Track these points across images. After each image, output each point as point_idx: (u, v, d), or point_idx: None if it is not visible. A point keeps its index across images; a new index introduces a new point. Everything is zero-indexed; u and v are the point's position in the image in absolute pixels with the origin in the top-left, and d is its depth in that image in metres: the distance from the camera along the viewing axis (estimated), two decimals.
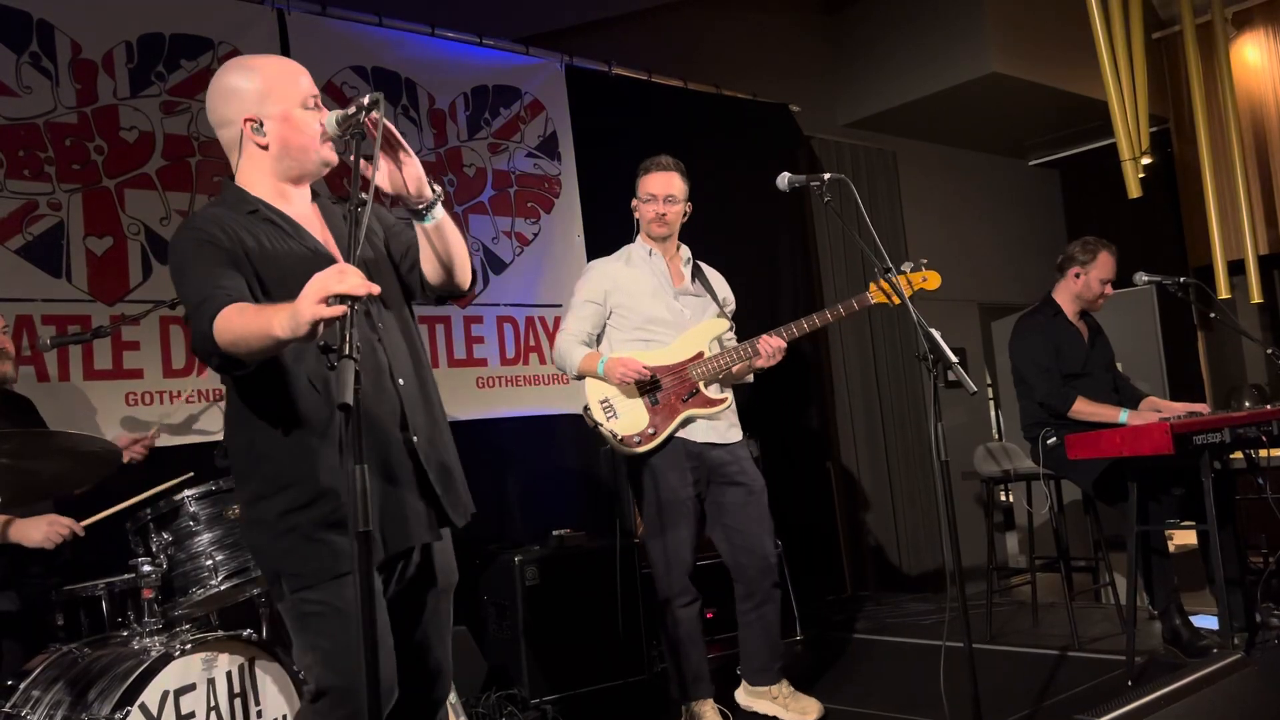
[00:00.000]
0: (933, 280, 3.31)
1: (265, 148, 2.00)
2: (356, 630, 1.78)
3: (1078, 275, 4.15)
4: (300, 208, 2.06)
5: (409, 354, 2.09)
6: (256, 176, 2.02)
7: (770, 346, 3.31)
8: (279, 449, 1.93)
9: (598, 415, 3.36)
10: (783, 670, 3.55)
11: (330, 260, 1.98)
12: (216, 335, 1.76)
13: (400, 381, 2.02)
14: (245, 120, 1.98)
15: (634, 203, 3.52)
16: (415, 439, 2.02)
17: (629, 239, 3.64)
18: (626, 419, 3.34)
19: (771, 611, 3.46)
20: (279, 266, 1.94)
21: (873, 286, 3.31)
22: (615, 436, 3.33)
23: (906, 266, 3.28)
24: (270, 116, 1.97)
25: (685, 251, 3.60)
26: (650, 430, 3.33)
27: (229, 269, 1.88)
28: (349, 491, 1.78)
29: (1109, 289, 4.17)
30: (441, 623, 2.15)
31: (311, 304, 1.60)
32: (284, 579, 1.94)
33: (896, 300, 3.01)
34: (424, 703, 2.14)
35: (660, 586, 3.38)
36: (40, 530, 2.84)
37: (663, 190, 3.44)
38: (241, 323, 1.75)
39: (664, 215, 3.44)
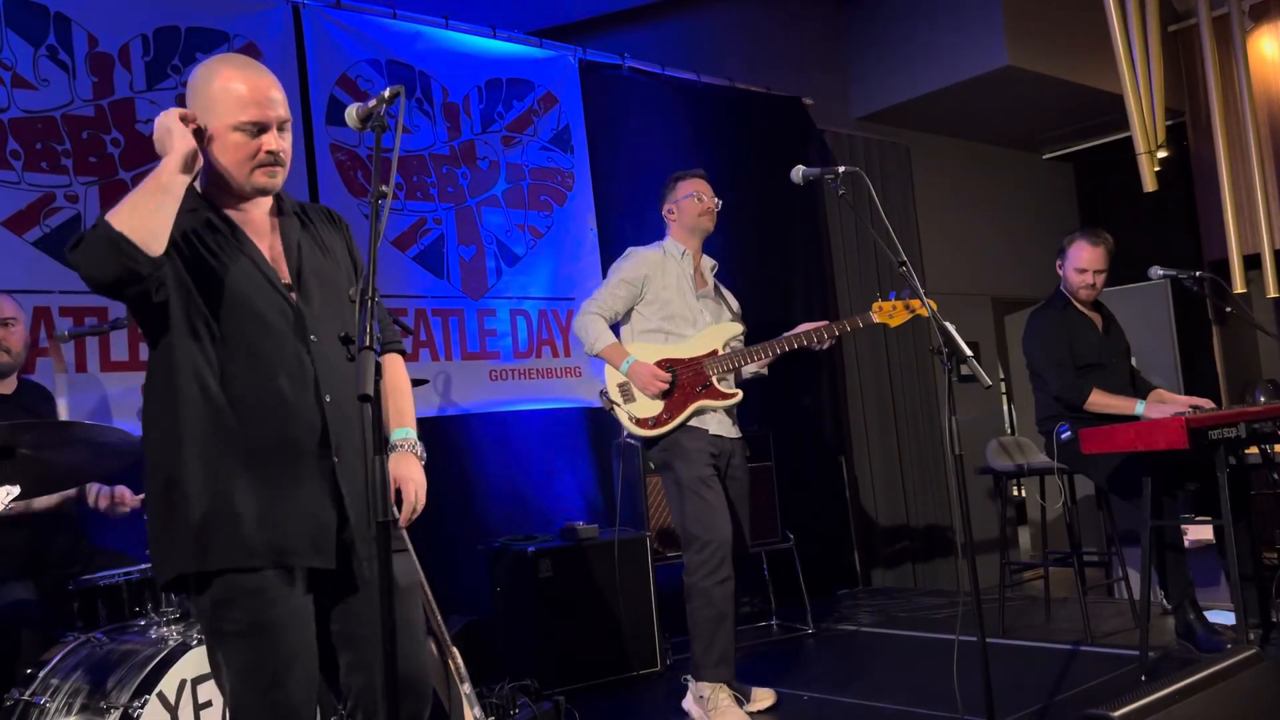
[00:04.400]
0: (917, 307, 3.47)
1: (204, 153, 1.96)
2: (274, 646, 1.83)
3: (1060, 268, 4.18)
4: (251, 213, 2.01)
5: (342, 377, 1.99)
6: (208, 173, 1.99)
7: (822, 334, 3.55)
8: (210, 436, 1.87)
9: (615, 397, 3.54)
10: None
11: (271, 274, 1.95)
12: (115, 224, 1.73)
13: (327, 399, 1.95)
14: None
15: (670, 205, 3.70)
16: (336, 461, 1.94)
17: (642, 231, 3.76)
18: (642, 403, 3.51)
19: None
20: (215, 283, 1.89)
21: (875, 306, 3.52)
22: (632, 419, 3.50)
23: (904, 294, 3.51)
24: (207, 126, 1.93)
25: (709, 260, 3.78)
26: (664, 415, 3.49)
27: None
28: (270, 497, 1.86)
29: (1090, 278, 4.11)
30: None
31: (180, 136, 1.80)
32: (197, 577, 1.86)
33: (894, 322, 3.48)
34: None
35: (694, 562, 3.42)
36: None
37: (710, 190, 3.70)
38: (131, 198, 1.77)
39: (713, 211, 3.67)
